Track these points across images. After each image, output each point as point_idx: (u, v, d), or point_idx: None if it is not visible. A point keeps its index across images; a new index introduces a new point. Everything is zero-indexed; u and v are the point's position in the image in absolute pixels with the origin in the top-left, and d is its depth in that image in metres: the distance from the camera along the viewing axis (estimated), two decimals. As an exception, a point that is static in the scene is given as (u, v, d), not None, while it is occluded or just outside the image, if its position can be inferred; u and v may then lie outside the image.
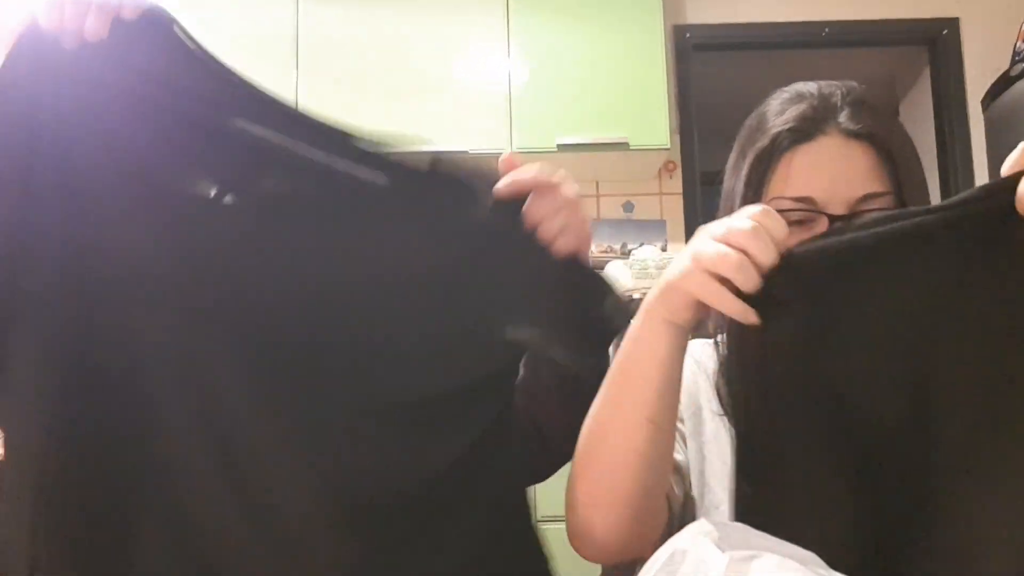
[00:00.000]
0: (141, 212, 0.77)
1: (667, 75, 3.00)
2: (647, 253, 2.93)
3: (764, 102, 0.98)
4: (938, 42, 3.41)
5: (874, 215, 0.77)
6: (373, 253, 0.83)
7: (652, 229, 3.30)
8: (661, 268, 2.79)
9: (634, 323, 0.81)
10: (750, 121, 0.98)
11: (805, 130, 0.92)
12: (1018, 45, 2.88)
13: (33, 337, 0.73)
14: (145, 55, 0.80)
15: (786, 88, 0.98)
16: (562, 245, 0.84)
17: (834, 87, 0.95)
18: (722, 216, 0.86)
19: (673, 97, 3.25)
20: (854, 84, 0.96)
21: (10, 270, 0.74)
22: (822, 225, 0.89)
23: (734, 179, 0.97)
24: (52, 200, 0.75)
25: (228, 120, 0.83)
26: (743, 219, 0.72)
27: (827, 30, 3.38)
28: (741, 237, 0.71)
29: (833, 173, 0.90)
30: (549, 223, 0.84)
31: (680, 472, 0.94)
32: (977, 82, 3.27)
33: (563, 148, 2.90)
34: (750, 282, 0.70)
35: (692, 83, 3.35)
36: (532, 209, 0.85)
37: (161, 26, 0.84)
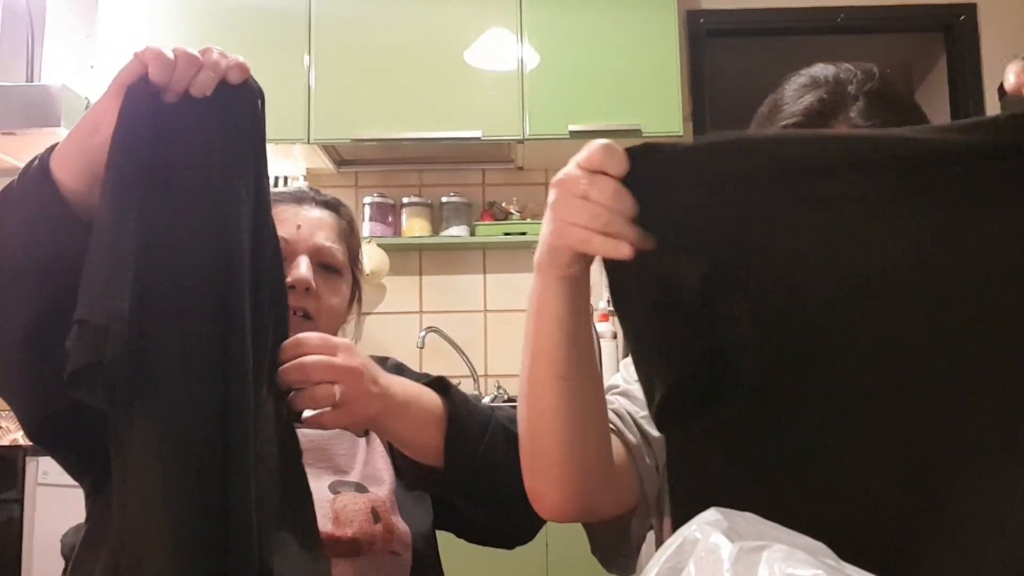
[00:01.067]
0: None
1: (680, 62, 2.98)
2: (659, 240, 2.92)
3: (779, 86, 0.95)
4: (955, 28, 3.37)
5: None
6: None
7: (664, 216, 3.28)
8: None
9: (532, 283, 0.83)
10: (763, 108, 0.95)
11: (812, 126, 0.88)
12: (1036, 32, 2.84)
13: None
14: (243, 116, 0.88)
15: (803, 71, 0.94)
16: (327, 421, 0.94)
17: (851, 74, 0.91)
18: None
19: (686, 84, 3.23)
20: (873, 70, 0.91)
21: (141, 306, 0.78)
22: None
23: None
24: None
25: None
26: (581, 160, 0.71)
27: (842, 16, 3.35)
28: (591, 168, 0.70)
29: None
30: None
31: (652, 445, 0.94)
32: (994, 69, 3.23)
33: (575, 135, 2.89)
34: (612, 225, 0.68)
35: (705, 70, 3.33)
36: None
37: (253, 95, 0.91)
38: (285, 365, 0.89)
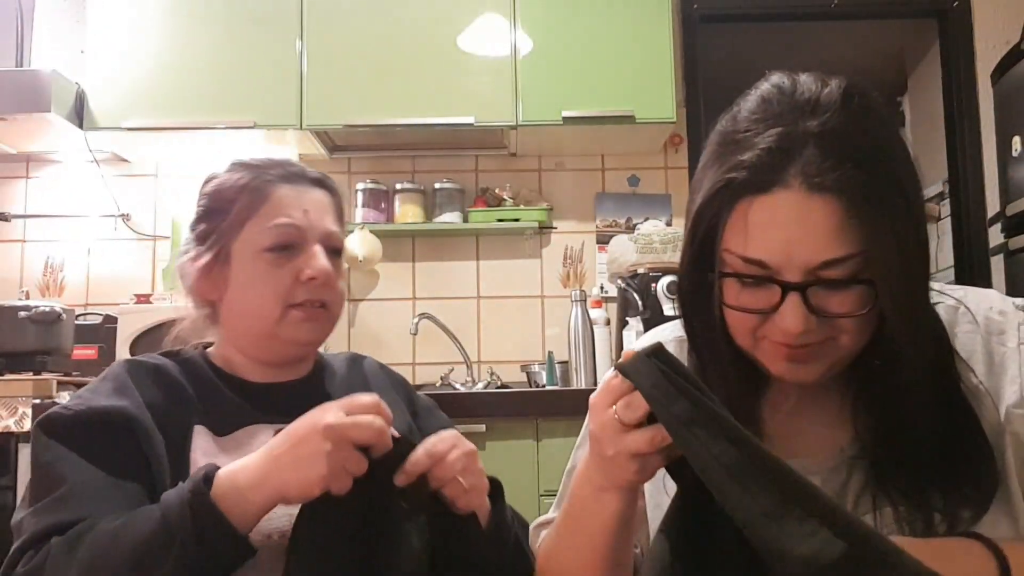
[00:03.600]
0: None
1: (674, 47, 2.97)
2: (652, 227, 2.92)
3: (732, 110, 0.86)
4: (948, 14, 3.37)
5: None
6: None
7: (657, 203, 3.29)
8: (666, 243, 2.78)
9: (574, 487, 0.88)
10: (714, 137, 0.87)
11: (761, 181, 0.78)
12: (1029, 18, 2.84)
13: None
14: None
15: (757, 90, 0.85)
16: (462, 503, 0.96)
17: (811, 96, 0.81)
18: (680, 256, 0.89)
19: (680, 69, 3.22)
20: (838, 95, 0.80)
21: None
22: (776, 290, 0.80)
23: (687, 217, 0.87)
24: None
25: None
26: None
27: (836, 2, 3.34)
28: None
29: (789, 235, 0.77)
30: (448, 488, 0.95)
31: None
32: (987, 55, 3.23)
33: (568, 121, 2.89)
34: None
35: (699, 55, 3.32)
36: (433, 481, 0.94)
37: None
38: (432, 466, 0.94)
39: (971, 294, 0.93)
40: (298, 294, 1.11)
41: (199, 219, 1.19)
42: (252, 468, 0.89)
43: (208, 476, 0.89)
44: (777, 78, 0.85)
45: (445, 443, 0.95)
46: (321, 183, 1.21)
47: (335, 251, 1.17)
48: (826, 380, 0.87)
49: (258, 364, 1.17)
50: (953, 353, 0.86)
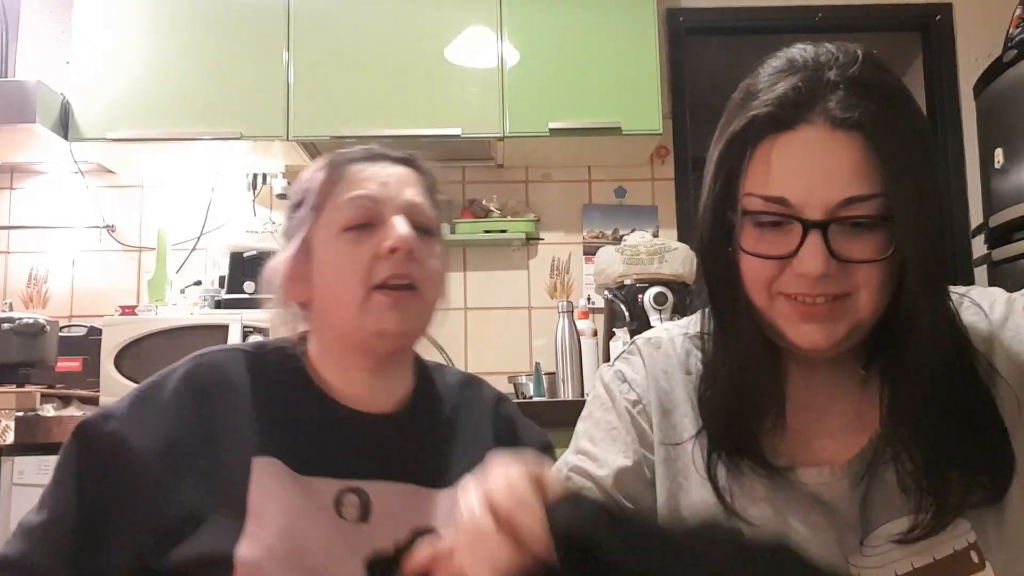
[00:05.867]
0: None
1: (660, 59, 2.99)
2: (639, 239, 2.93)
3: (754, 71, 0.85)
4: (931, 27, 3.40)
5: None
6: None
7: (644, 215, 3.30)
8: (652, 254, 2.79)
9: None
10: (736, 95, 0.86)
11: (785, 117, 0.78)
12: (1011, 31, 2.87)
13: None
14: None
15: (780, 53, 0.85)
16: None
17: (832, 56, 0.81)
18: (701, 205, 0.86)
19: (666, 81, 3.24)
20: (857, 52, 0.81)
21: None
22: (797, 231, 0.78)
23: (709, 165, 0.85)
24: None
25: None
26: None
27: (820, 15, 3.37)
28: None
29: (812, 172, 0.77)
30: None
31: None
32: (970, 68, 3.27)
33: (555, 132, 2.89)
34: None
35: (685, 68, 3.34)
36: None
37: None
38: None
39: (975, 290, 0.91)
40: (380, 271, 1.00)
41: (287, 219, 1.10)
42: None
43: None
44: (796, 45, 0.86)
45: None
46: (406, 161, 1.11)
47: (421, 228, 1.05)
48: (842, 368, 0.86)
49: (349, 372, 1.05)
50: (967, 335, 0.84)
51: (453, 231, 3.17)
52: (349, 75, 2.92)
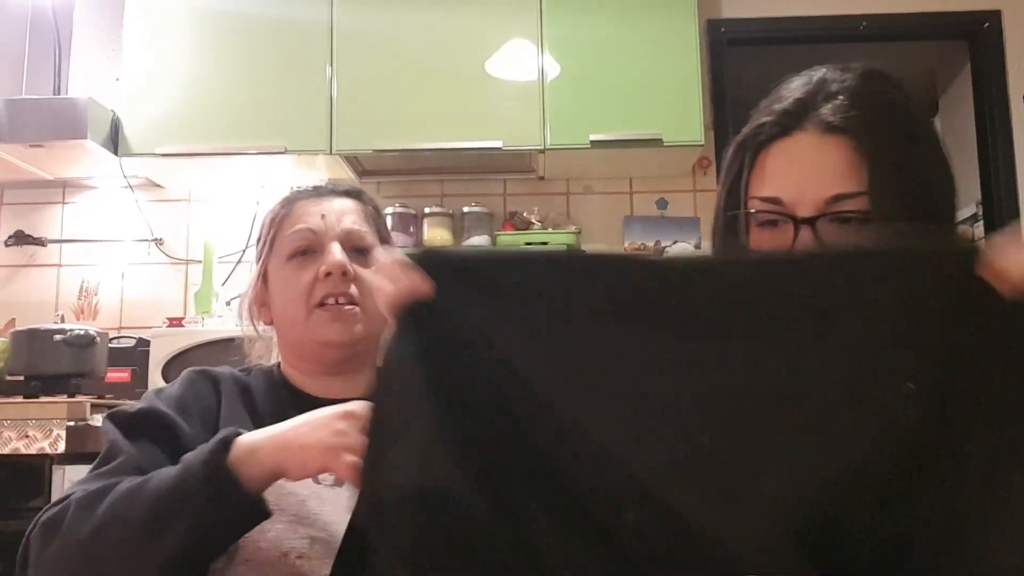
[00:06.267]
0: None
1: (701, 70, 2.97)
2: (681, 250, 2.91)
3: (780, 84, 0.93)
4: (979, 35, 3.34)
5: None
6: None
7: (686, 226, 3.27)
8: (695, 265, 2.76)
9: None
10: (764, 101, 0.94)
11: (784, 124, 0.87)
12: (1062, 38, 2.81)
13: None
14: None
15: (808, 70, 0.92)
16: None
17: (841, 71, 0.89)
18: (713, 211, 0.94)
19: (707, 93, 3.22)
20: (870, 68, 0.89)
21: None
22: (790, 228, 0.84)
23: (720, 174, 0.94)
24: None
25: None
26: None
27: (864, 24, 3.33)
28: None
29: (803, 172, 0.84)
30: None
31: None
32: (1019, 76, 3.20)
33: (596, 144, 2.89)
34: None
35: (727, 78, 3.32)
36: None
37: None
38: None
39: None
40: (319, 291, 1.14)
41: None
42: (269, 431, 0.91)
43: (228, 439, 0.89)
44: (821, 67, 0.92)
45: None
46: (349, 193, 1.25)
47: (361, 250, 1.18)
48: None
49: (315, 377, 1.19)
50: None
51: (494, 243, 3.18)
52: (391, 89, 2.95)
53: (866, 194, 0.81)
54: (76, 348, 2.63)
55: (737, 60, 3.38)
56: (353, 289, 1.14)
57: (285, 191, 1.28)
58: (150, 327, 2.95)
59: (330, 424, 0.87)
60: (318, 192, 1.23)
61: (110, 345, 2.84)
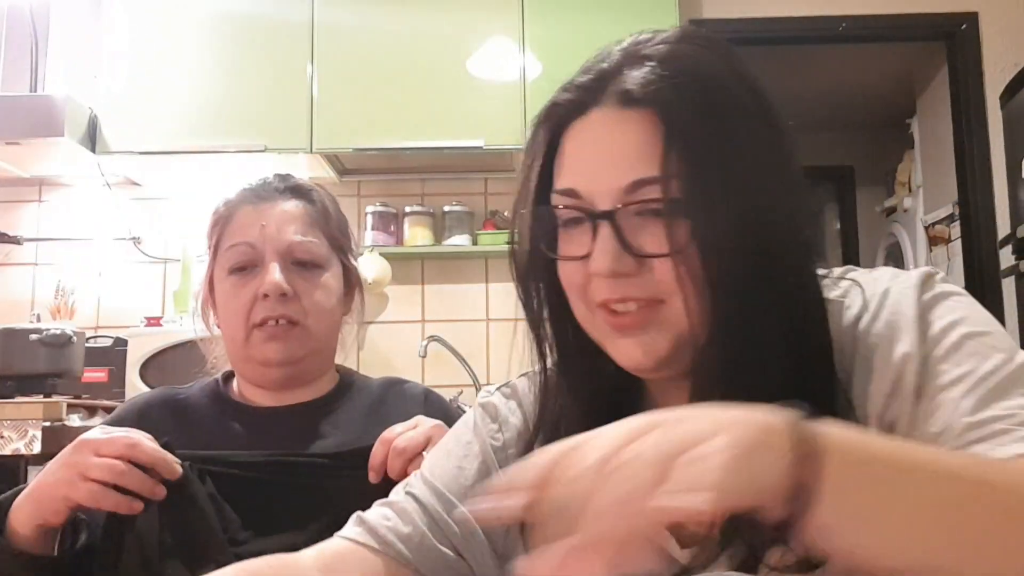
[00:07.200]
0: None
1: (682, 70, 2.98)
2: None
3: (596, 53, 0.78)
4: (957, 37, 3.37)
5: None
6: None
7: (666, 225, 3.28)
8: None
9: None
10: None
11: (579, 101, 0.71)
12: (1038, 40, 2.85)
13: None
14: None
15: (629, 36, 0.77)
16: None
17: (652, 34, 0.74)
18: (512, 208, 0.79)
19: (688, 92, 3.23)
20: (691, 31, 0.75)
21: None
22: (589, 225, 0.69)
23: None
24: None
25: None
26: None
27: (844, 25, 3.35)
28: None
29: (598, 157, 0.69)
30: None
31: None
32: (996, 78, 3.24)
33: (577, 144, 2.89)
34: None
35: (707, 78, 3.33)
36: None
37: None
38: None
39: (885, 274, 0.72)
40: (257, 312, 1.09)
41: None
42: (29, 486, 0.96)
43: (3, 506, 0.95)
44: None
45: (393, 431, 1.00)
46: (295, 191, 1.17)
47: (303, 263, 1.12)
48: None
49: (258, 388, 1.16)
50: (827, 350, 0.68)
51: (475, 242, 3.18)
52: (372, 88, 2.94)
53: (672, 178, 0.65)
54: (52, 348, 2.61)
55: (717, 60, 3.39)
56: (293, 308, 1.10)
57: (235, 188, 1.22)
58: (128, 327, 2.93)
59: (62, 458, 0.92)
60: (261, 196, 1.16)
61: (87, 345, 2.81)
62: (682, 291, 0.66)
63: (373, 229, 3.17)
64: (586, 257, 0.69)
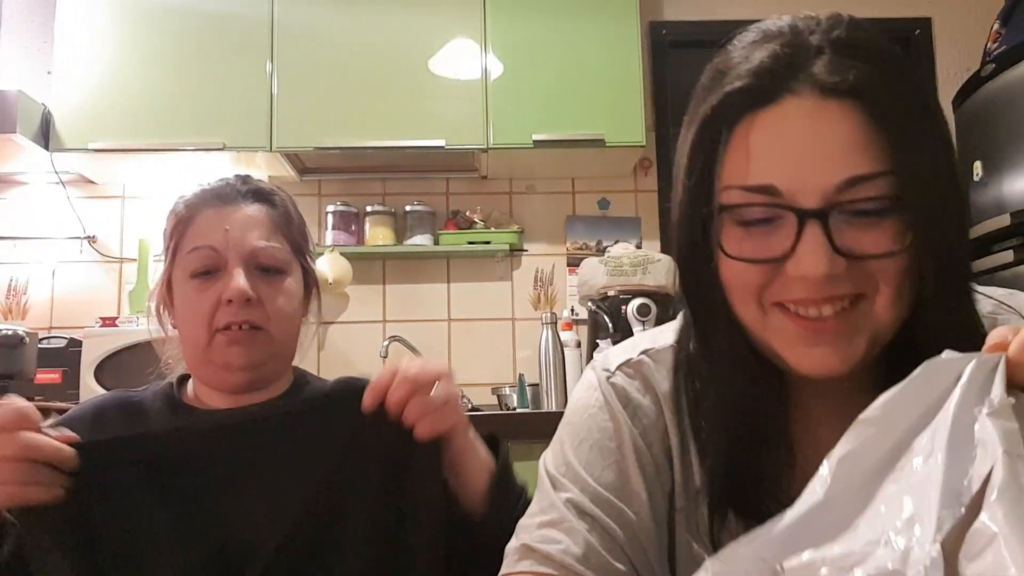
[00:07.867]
0: None
1: (643, 72, 3.00)
2: (622, 250, 2.93)
3: (723, 50, 0.72)
4: (911, 41, 3.44)
5: None
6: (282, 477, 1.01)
7: (627, 226, 3.30)
8: (636, 265, 2.79)
9: None
10: (704, 77, 0.73)
11: (765, 89, 0.65)
12: (989, 46, 2.91)
13: None
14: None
15: (753, 26, 0.72)
16: (420, 430, 0.96)
17: (812, 21, 0.68)
18: (674, 206, 0.74)
19: (649, 94, 3.25)
20: (841, 15, 0.69)
21: None
22: (790, 225, 0.64)
23: (681, 159, 0.73)
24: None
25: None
26: None
27: (802, 29, 3.39)
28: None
29: (802, 151, 0.64)
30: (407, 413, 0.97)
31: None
32: (949, 82, 3.30)
33: (539, 144, 2.90)
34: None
35: (668, 80, 3.36)
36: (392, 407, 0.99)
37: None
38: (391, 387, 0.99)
39: (1019, 295, 0.76)
40: (221, 317, 1.09)
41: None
42: None
43: None
44: (765, 20, 0.73)
45: (390, 370, 1.01)
46: (258, 195, 1.16)
47: (266, 268, 1.12)
48: (856, 391, 0.68)
49: (215, 392, 1.14)
50: None
51: (437, 242, 3.17)
52: (333, 86, 2.92)
53: (888, 174, 0.62)
54: (4, 348, 2.56)
55: (678, 62, 3.42)
56: (257, 313, 1.09)
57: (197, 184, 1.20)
58: (82, 327, 2.88)
59: None
60: (223, 199, 1.14)
61: (40, 345, 2.76)
62: (891, 286, 0.65)
63: (334, 229, 3.15)
64: (781, 258, 0.65)
